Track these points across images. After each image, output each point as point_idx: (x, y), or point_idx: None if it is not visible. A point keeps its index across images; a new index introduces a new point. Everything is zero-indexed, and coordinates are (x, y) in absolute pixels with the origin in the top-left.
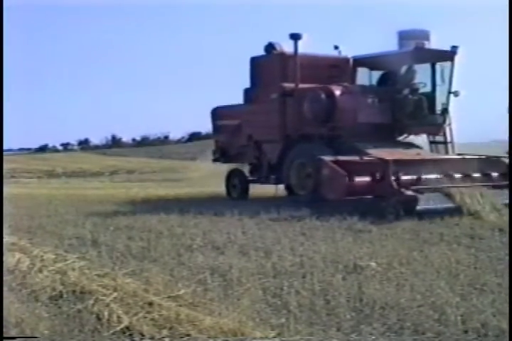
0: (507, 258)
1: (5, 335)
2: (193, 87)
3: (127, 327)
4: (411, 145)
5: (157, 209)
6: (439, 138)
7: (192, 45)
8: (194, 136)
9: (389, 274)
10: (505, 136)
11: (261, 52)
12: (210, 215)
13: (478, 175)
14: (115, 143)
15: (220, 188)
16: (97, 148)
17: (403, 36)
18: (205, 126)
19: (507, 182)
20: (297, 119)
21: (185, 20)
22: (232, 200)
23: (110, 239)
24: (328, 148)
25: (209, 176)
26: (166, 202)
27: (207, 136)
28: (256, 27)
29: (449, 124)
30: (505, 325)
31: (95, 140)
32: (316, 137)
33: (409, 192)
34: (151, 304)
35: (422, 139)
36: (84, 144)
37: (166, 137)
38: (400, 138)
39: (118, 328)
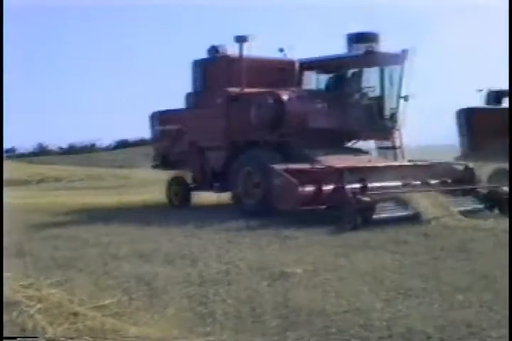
0: (432, 262)
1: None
2: (122, 94)
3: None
4: (360, 152)
5: (85, 217)
6: (387, 144)
7: (121, 51)
8: (121, 144)
9: (314, 280)
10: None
11: (199, 55)
12: (138, 224)
13: (432, 182)
14: (42, 151)
15: (161, 196)
16: (23, 156)
17: (352, 39)
18: (133, 134)
19: (461, 188)
20: (243, 125)
21: (113, 23)
22: (173, 208)
23: (35, 249)
24: (277, 155)
25: (148, 183)
26: (94, 211)
27: (134, 144)
28: (196, 29)
29: (398, 129)
30: (431, 329)
31: (21, 148)
32: (264, 144)
33: (366, 200)
34: (75, 314)
35: (369, 145)
36: (10, 152)
37: (93, 145)
38: (349, 144)
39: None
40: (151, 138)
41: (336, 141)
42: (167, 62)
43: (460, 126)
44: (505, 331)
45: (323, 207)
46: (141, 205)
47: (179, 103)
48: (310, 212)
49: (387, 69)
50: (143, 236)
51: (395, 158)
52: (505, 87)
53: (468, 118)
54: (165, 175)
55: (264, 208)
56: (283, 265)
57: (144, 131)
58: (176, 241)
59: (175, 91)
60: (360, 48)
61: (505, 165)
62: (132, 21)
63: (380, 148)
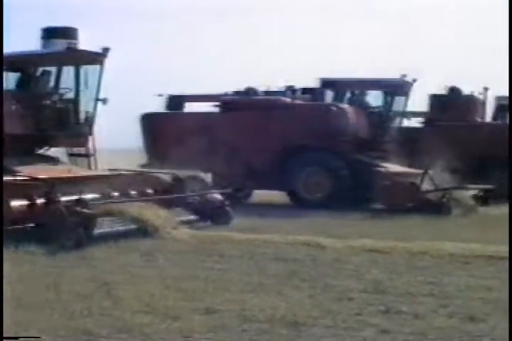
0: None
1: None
2: None
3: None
4: (54, 160)
5: None
6: (79, 150)
7: None
8: None
9: None
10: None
11: None
12: None
13: (148, 192)
14: None
15: None
16: None
17: (48, 34)
18: None
19: (174, 198)
20: None
21: None
22: None
23: None
24: None
25: None
26: None
27: None
28: None
29: (92, 135)
30: None
31: None
32: None
33: (85, 213)
34: None
35: (57, 151)
36: None
37: None
38: (41, 151)
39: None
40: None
41: (28, 147)
42: None
43: (142, 131)
44: None
45: (33, 224)
46: None
47: None
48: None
49: (84, 69)
50: None
51: (89, 167)
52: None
53: (148, 123)
54: None
55: None
56: None
57: None
58: None
59: None
60: (57, 44)
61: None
62: None
63: (72, 155)
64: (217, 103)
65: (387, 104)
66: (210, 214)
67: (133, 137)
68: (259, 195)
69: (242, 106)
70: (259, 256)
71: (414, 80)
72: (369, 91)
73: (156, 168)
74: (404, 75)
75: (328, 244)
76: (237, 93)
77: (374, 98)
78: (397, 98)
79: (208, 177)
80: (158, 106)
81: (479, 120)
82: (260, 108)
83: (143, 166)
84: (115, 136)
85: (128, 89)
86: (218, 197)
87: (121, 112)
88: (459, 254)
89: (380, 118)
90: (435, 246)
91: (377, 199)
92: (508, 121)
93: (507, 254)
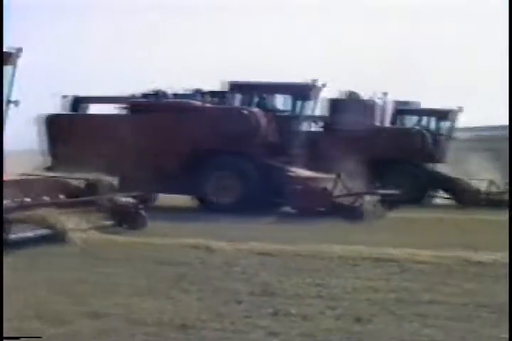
0: None
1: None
2: None
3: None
4: None
5: None
6: None
7: None
8: None
9: None
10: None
11: None
12: None
13: (60, 197)
14: None
15: None
16: None
17: None
18: None
19: (84, 202)
20: None
21: None
22: None
23: None
24: None
25: None
26: None
27: None
28: None
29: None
30: None
31: None
32: None
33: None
34: None
35: None
36: None
37: None
38: None
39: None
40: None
41: None
42: None
43: (46, 133)
44: None
45: None
46: None
47: None
48: None
49: None
50: None
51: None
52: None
53: (52, 125)
54: None
55: None
56: None
57: None
58: None
59: None
60: None
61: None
62: None
63: None
64: (125, 105)
65: (295, 109)
66: (124, 219)
67: (26, 138)
68: (169, 199)
69: (152, 109)
70: (148, 259)
71: (323, 85)
72: (278, 95)
73: (61, 171)
74: (314, 80)
75: (217, 247)
76: (145, 95)
77: (283, 102)
78: (305, 102)
79: (115, 180)
80: (56, 107)
81: (378, 124)
82: (170, 111)
83: (47, 169)
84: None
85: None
86: (131, 200)
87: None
88: (347, 256)
89: (288, 122)
90: (324, 249)
91: (289, 204)
92: (403, 125)
93: (393, 256)
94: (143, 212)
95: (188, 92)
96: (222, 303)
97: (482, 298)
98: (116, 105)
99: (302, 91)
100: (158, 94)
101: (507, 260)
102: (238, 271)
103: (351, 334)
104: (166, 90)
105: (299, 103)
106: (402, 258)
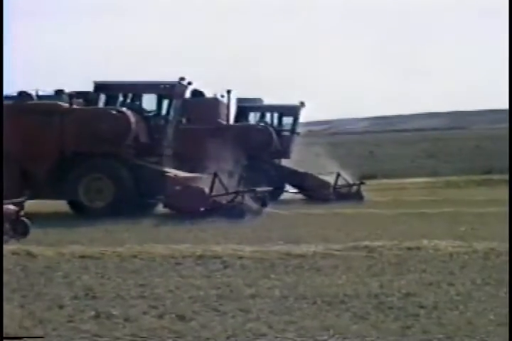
0: None
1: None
2: None
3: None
4: None
5: None
6: None
7: None
8: None
9: None
10: None
11: None
12: None
13: None
14: None
15: None
16: None
17: None
18: None
19: None
20: None
21: None
22: None
23: None
24: None
25: None
26: None
27: None
28: None
29: None
30: None
31: None
32: None
33: None
34: None
35: None
36: None
37: None
38: None
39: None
40: None
41: None
42: None
43: None
44: None
45: None
46: None
47: None
48: None
49: None
50: None
51: None
52: None
53: None
54: None
55: None
56: None
57: None
58: None
59: None
60: None
61: None
62: None
63: None
64: None
65: (162, 108)
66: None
67: None
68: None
69: (17, 111)
70: None
71: (190, 83)
72: (144, 95)
73: None
74: (181, 78)
75: (38, 252)
76: (8, 97)
77: (150, 101)
78: (172, 101)
79: None
80: None
81: (223, 122)
82: (36, 113)
83: None
84: None
85: None
86: (12, 207)
87: None
88: (169, 255)
89: (156, 121)
90: (146, 249)
91: (166, 205)
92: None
93: (217, 253)
94: (26, 220)
95: (51, 94)
96: (45, 309)
97: (302, 289)
98: None
99: (168, 90)
100: (22, 96)
101: (327, 251)
102: (60, 275)
103: (175, 332)
104: (30, 92)
105: (165, 102)
106: (225, 254)
